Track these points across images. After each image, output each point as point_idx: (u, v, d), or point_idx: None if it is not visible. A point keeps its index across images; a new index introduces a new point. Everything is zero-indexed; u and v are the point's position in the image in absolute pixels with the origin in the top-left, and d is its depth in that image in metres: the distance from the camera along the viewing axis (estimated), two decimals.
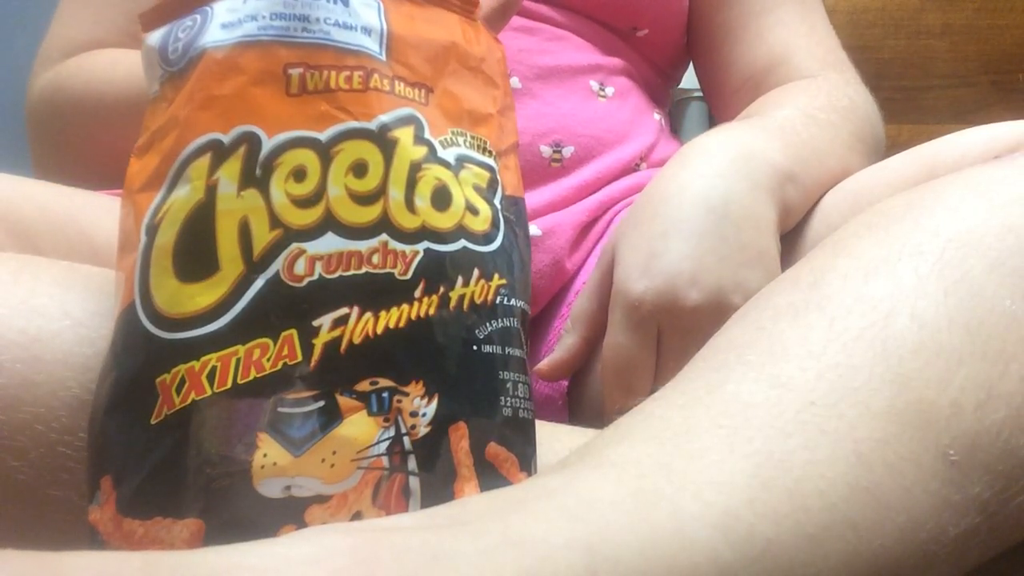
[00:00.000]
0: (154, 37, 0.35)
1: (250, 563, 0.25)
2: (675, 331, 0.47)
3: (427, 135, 0.34)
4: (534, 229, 0.59)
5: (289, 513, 0.29)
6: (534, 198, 0.60)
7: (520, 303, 0.36)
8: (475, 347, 0.33)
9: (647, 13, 0.70)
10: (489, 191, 0.36)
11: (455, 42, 0.37)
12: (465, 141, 0.36)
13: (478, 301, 0.34)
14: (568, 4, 0.67)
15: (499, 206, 0.36)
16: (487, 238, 0.35)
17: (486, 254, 0.35)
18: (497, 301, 0.34)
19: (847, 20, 1.11)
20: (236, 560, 0.25)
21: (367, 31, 0.34)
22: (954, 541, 0.30)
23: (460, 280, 0.33)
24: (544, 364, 0.53)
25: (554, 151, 0.62)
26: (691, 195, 0.50)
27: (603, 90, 0.67)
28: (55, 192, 0.52)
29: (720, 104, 0.75)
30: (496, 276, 0.35)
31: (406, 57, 0.35)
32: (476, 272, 0.34)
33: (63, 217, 0.49)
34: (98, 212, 0.51)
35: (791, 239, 0.54)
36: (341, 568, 0.25)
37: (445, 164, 0.35)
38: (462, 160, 0.35)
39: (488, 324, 0.34)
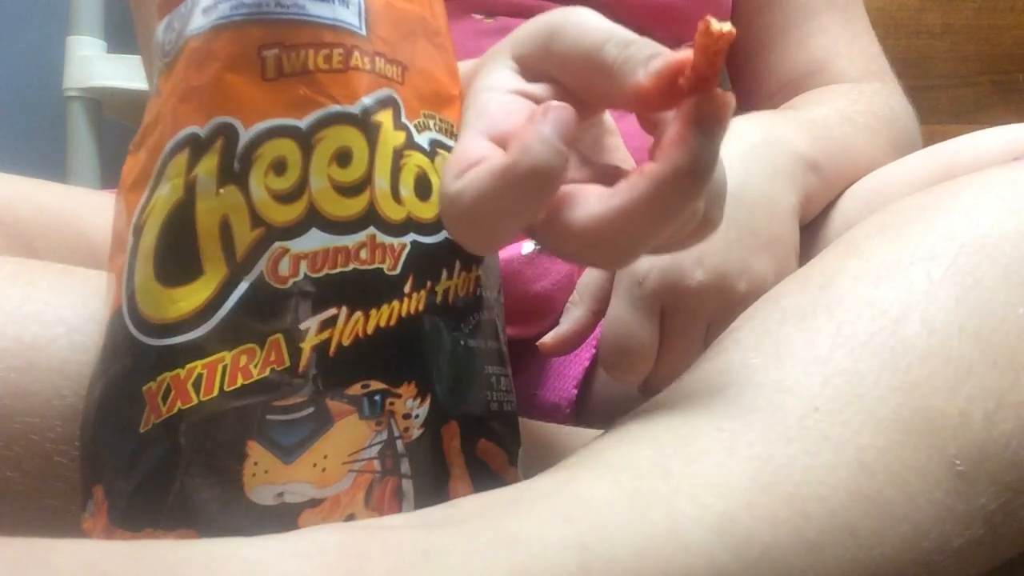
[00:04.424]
0: (159, 28, 0.33)
1: (242, 554, 0.25)
2: (677, 311, 0.45)
3: (404, 119, 0.32)
4: None
5: (282, 520, 0.29)
6: None
7: (492, 293, 0.35)
8: (462, 342, 0.32)
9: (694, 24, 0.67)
10: None
11: (424, 16, 0.34)
12: (435, 124, 0.34)
13: (462, 294, 0.33)
14: (618, 14, 0.63)
15: None
16: None
17: None
18: (478, 292, 0.33)
19: None
20: (228, 552, 0.25)
21: (345, 2, 0.32)
22: (957, 551, 0.29)
23: (444, 273, 0.32)
24: (549, 338, 0.52)
25: None
26: None
27: None
28: (53, 192, 0.51)
29: (755, 108, 0.73)
30: (473, 267, 0.33)
31: (386, 31, 0.32)
32: (457, 264, 0.33)
33: (61, 218, 0.49)
34: (96, 211, 0.51)
35: (805, 236, 0.52)
36: (331, 563, 0.25)
37: (422, 150, 0.33)
38: (435, 145, 0.33)
39: (472, 317, 0.33)
